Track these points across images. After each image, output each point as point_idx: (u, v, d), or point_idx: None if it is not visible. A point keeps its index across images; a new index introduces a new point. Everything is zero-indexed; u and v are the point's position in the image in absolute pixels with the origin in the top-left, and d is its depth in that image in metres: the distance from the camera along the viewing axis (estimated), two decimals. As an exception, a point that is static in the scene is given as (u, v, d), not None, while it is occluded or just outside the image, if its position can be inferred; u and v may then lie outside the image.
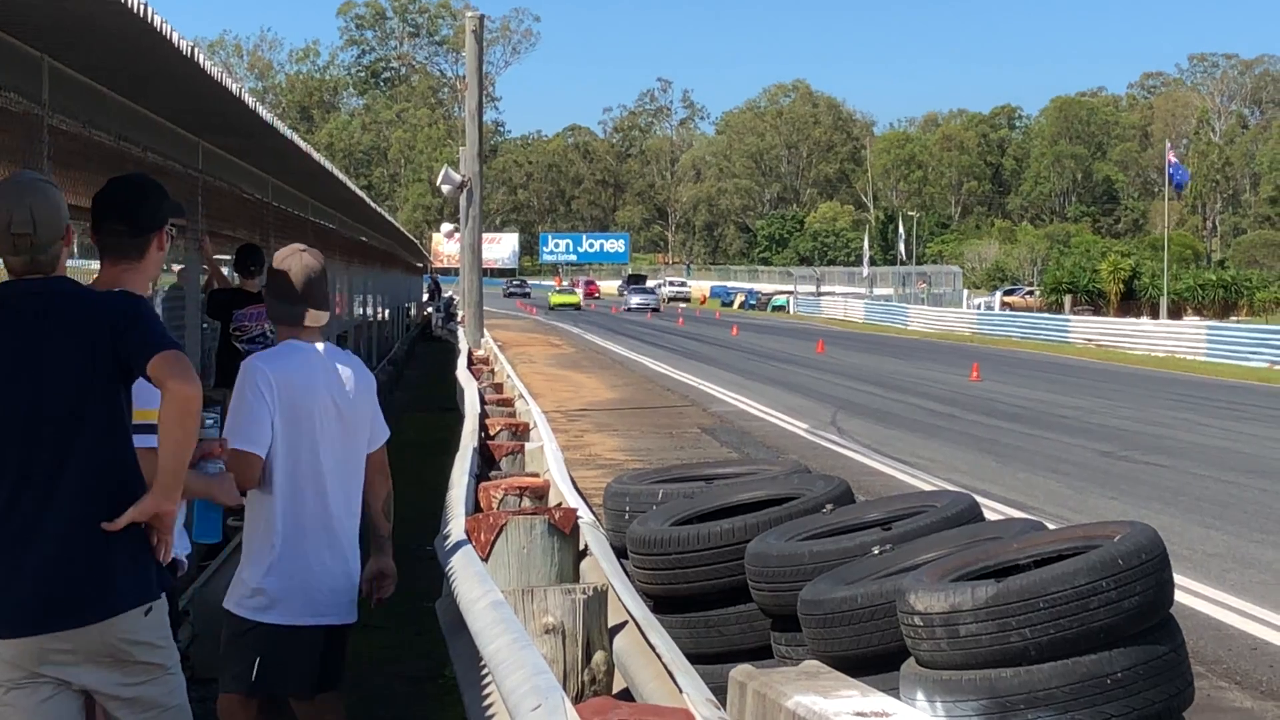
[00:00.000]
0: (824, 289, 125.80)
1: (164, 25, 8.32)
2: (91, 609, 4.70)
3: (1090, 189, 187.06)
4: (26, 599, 4.65)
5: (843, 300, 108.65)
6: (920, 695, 6.72)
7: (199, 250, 13.97)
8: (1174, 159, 76.36)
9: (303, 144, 16.41)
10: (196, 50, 9.29)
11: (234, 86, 11.05)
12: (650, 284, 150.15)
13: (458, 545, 7.83)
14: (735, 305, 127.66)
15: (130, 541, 4.76)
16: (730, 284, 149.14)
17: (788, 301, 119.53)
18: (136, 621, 4.77)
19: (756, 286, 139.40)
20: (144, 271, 5.37)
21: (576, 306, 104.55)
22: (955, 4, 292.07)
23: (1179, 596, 9.72)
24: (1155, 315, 76.17)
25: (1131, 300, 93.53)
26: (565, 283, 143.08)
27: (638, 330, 70.51)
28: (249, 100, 11.90)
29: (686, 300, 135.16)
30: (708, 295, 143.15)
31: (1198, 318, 76.99)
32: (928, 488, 17.71)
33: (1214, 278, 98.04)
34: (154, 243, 5.36)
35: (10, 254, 4.87)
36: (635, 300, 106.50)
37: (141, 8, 7.81)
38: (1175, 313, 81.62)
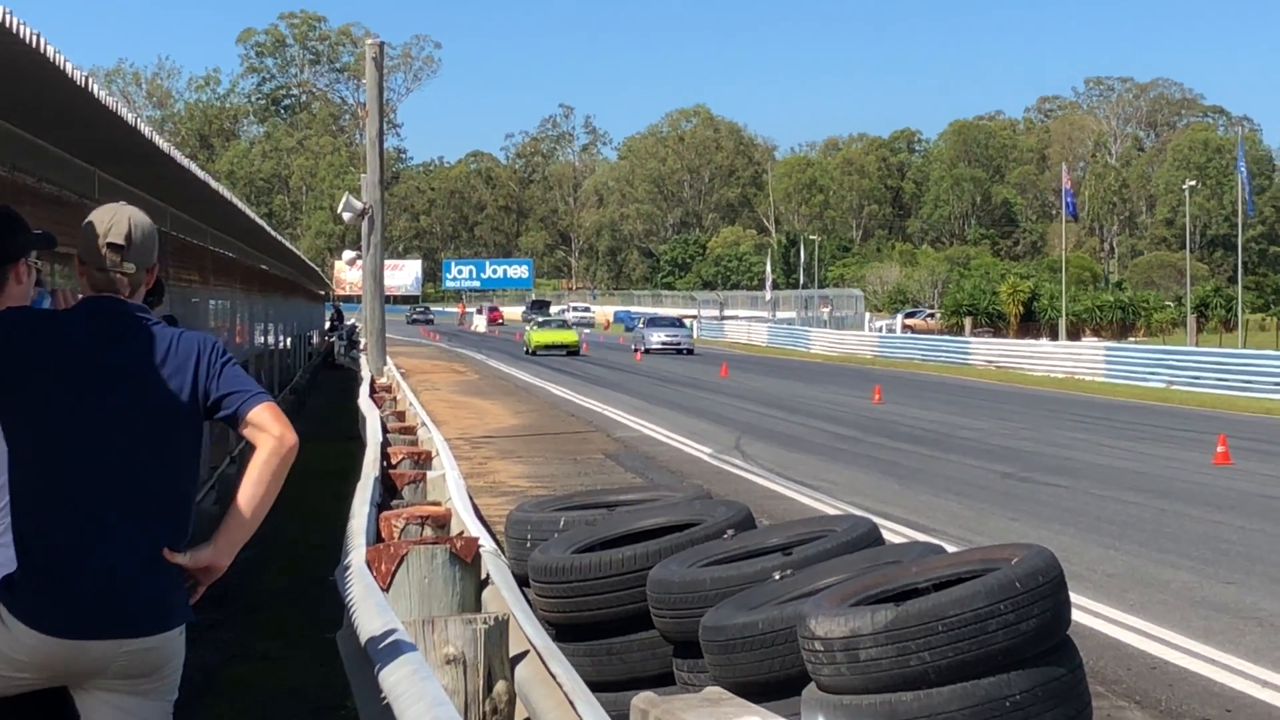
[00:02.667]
0: (727, 313, 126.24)
1: (57, 55, 8.25)
2: (154, 621, 4.76)
3: (989, 212, 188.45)
4: (89, 603, 4.68)
5: (746, 324, 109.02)
6: (821, 720, 6.73)
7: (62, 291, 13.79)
8: (1068, 184, 77.09)
9: (200, 173, 16.32)
10: (91, 81, 9.22)
11: (130, 116, 10.97)
12: (554, 309, 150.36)
13: (358, 576, 7.79)
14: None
15: (178, 567, 4.83)
16: (634, 309, 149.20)
17: (691, 326, 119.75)
18: (176, 640, 4.86)
19: (660, 311, 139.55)
20: (2, 305, 5.31)
21: (573, 349, 72.66)
22: (854, 29, 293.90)
23: (1079, 617, 9.80)
24: (1054, 336, 76.84)
25: (1031, 322, 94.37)
26: (472, 309, 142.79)
27: (541, 356, 70.44)
28: (145, 129, 11.82)
29: (590, 326, 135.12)
30: (611, 320, 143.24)
31: (1096, 339, 77.74)
32: (830, 511, 17.76)
33: (1111, 299, 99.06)
34: (12, 275, 5.29)
35: (97, 267, 4.88)
36: (658, 338, 79.05)
37: (34, 38, 7.75)
38: (1074, 334, 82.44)
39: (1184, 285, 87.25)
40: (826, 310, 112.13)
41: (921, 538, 15.03)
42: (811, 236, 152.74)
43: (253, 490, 4.82)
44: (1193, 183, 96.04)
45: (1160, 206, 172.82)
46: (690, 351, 78.08)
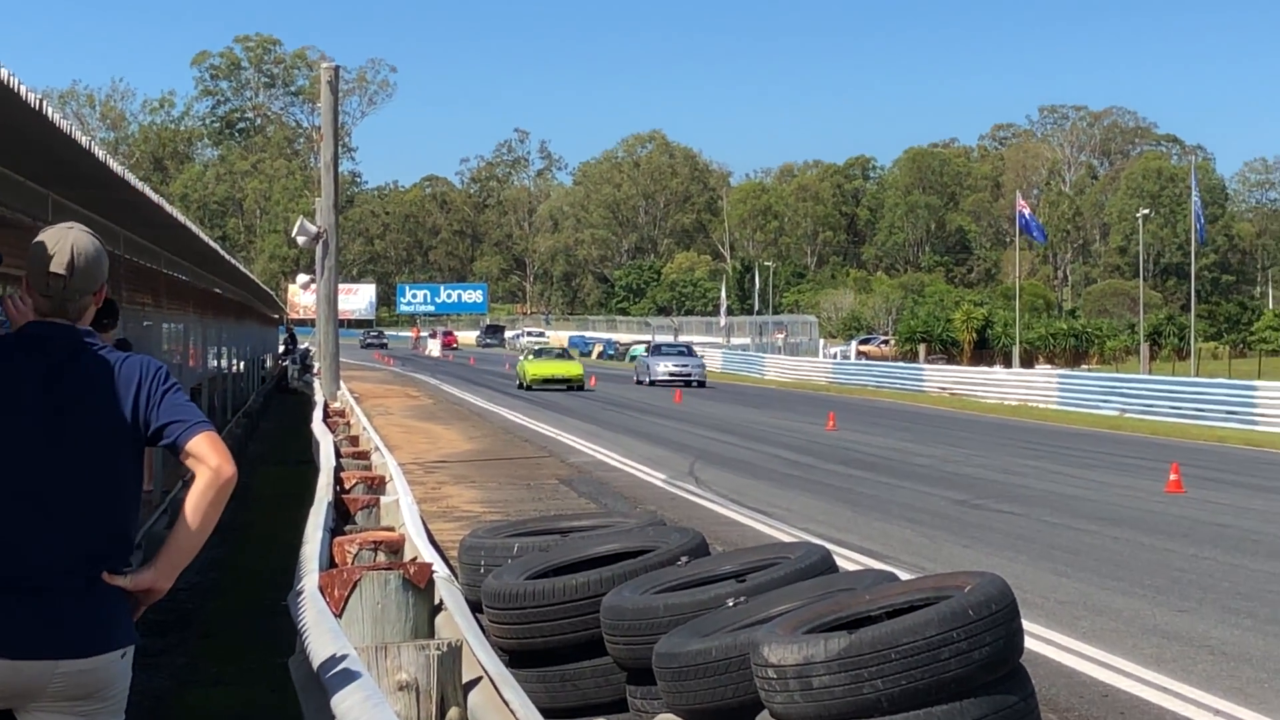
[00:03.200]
0: (682, 338, 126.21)
1: (11, 78, 8.22)
2: (91, 643, 4.75)
3: (943, 239, 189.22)
4: (24, 624, 4.68)
5: (701, 350, 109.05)
6: (774, 748, 6.73)
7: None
8: (1026, 211, 77.41)
9: (154, 196, 16.27)
10: (44, 103, 9.19)
11: (84, 139, 10.93)
12: (509, 334, 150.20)
13: (311, 601, 7.76)
14: (594, 355, 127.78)
15: (118, 589, 4.82)
16: (588, 334, 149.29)
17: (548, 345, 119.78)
18: (118, 663, 4.83)
19: (615, 336, 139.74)
20: None
21: (577, 384, 61.98)
22: (809, 56, 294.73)
23: (1031, 644, 9.83)
24: (1008, 364, 77.14)
25: (984, 349, 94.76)
26: (426, 334, 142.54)
27: (496, 381, 70.34)
28: (99, 153, 11.78)
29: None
30: (566, 345, 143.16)
31: (1049, 366, 78.11)
32: (784, 538, 17.77)
33: (1065, 327, 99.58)
34: None
35: (42, 293, 4.90)
36: (665, 368, 69.47)
37: (-13, 60, 7.71)
38: (1027, 361, 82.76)
39: (1137, 313, 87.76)
40: (781, 336, 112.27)
41: (875, 565, 15.05)
42: (766, 263, 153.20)
43: (191, 518, 4.83)
44: (1146, 211, 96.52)
45: (1114, 234, 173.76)
46: (702, 384, 68.13)
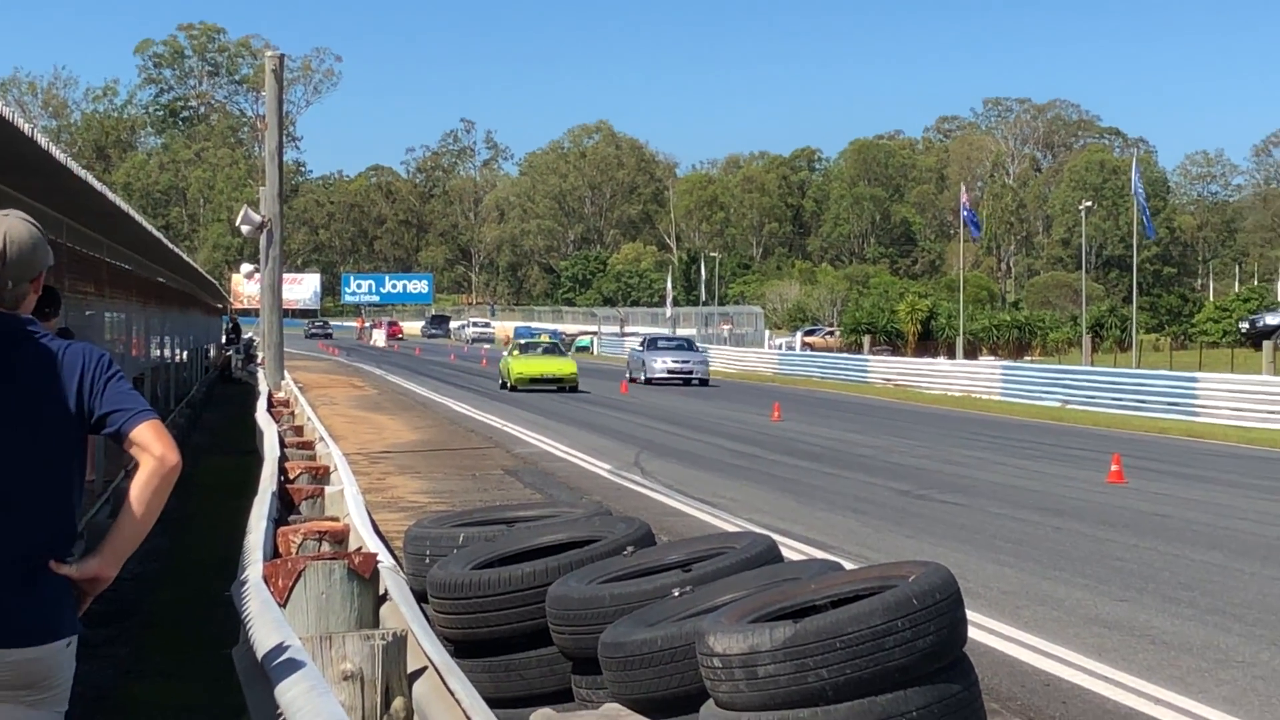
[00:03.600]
0: (628, 329, 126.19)
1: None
2: (36, 632, 4.72)
3: (888, 231, 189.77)
4: None
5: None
6: (719, 737, 6.74)
7: None
8: (967, 203, 77.69)
9: (98, 184, 16.18)
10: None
11: (26, 127, 10.86)
12: (454, 325, 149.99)
13: (255, 591, 7.74)
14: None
15: (63, 579, 4.78)
16: (534, 324, 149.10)
17: (592, 342, 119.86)
18: (63, 652, 4.81)
19: (561, 327, 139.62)
20: None
21: (569, 384, 54.02)
22: (755, 47, 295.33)
23: (975, 634, 9.88)
24: (952, 355, 77.37)
25: (929, 340, 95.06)
26: (368, 323, 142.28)
27: (441, 372, 70.27)
28: (42, 141, 11.71)
29: (490, 341, 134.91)
30: (511, 336, 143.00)
31: (993, 358, 78.32)
32: (730, 528, 17.80)
33: (1008, 318, 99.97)
34: None
35: None
36: (662, 364, 62.50)
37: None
38: (971, 353, 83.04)
39: (1080, 305, 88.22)
40: (727, 328, 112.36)
41: (820, 555, 15.10)
42: (712, 254, 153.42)
43: (136, 507, 4.80)
44: (1089, 204, 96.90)
45: (1057, 227, 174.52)
46: (704, 382, 62.41)
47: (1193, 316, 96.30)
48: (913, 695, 6.60)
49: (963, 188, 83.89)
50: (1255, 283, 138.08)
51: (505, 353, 59.95)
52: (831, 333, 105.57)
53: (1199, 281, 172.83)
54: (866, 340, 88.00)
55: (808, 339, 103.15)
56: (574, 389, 53.19)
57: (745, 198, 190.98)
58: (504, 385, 54.31)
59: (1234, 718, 9.79)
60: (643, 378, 61.62)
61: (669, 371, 61.52)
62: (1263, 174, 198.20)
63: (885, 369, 67.78)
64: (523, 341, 61.05)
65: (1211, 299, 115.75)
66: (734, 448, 30.97)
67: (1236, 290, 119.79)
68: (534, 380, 53.17)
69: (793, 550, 15.79)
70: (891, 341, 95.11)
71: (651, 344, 66.15)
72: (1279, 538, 18.67)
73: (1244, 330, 68.58)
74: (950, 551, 16.56)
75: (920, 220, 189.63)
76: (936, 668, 6.73)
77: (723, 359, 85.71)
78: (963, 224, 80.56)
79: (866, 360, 71.76)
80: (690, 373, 61.96)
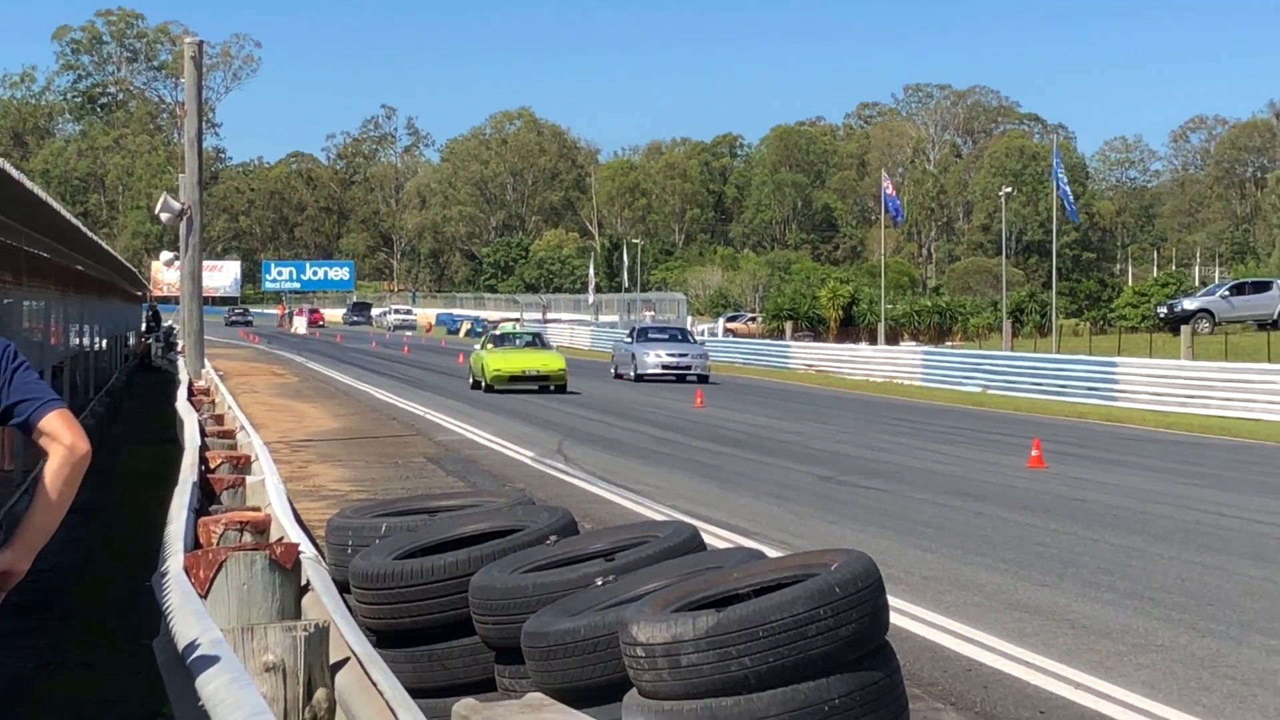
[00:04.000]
0: (550, 316, 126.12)
1: None
2: None
3: (810, 217, 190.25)
4: None
5: (569, 327, 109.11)
6: (642, 726, 6.75)
7: None
8: (889, 189, 77.99)
9: (14, 172, 16.02)
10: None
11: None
12: (376, 312, 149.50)
13: (176, 582, 7.70)
14: (462, 333, 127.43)
15: None
16: (456, 311, 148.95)
17: (514, 329, 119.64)
18: None
19: (483, 314, 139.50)
20: None
21: (556, 381, 46.18)
22: (677, 33, 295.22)
23: (897, 620, 9.92)
24: (873, 341, 77.68)
25: (850, 326, 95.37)
26: (289, 310, 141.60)
27: (363, 359, 70.02)
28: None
29: (412, 328, 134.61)
30: (434, 323, 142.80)
31: (914, 343, 78.69)
32: (653, 516, 17.83)
33: (929, 304, 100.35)
34: None
35: None
36: (657, 357, 54.43)
37: None
38: (892, 338, 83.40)
39: (1000, 290, 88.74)
40: (649, 314, 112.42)
41: (743, 542, 15.13)
42: (634, 240, 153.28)
43: (46, 497, 4.77)
44: (1009, 189, 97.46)
45: (977, 213, 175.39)
46: (704, 379, 53.62)
47: (1112, 302, 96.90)
48: (835, 683, 6.63)
49: (884, 174, 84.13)
50: (1173, 268, 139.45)
51: (478, 346, 50.63)
52: (754, 319, 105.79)
53: (1118, 267, 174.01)
54: (789, 326, 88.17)
55: (730, 325, 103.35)
56: (562, 388, 45.47)
57: (667, 184, 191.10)
58: (476, 385, 46.74)
59: (1153, 701, 9.87)
60: (631, 373, 54.50)
61: (664, 367, 53.98)
62: (1180, 160, 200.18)
63: (807, 355, 67.96)
64: (498, 333, 52.13)
65: (1130, 284, 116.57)
66: (657, 434, 30.99)
67: (1155, 275, 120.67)
68: (515, 378, 45.48)
69: (716, 537, 15.83)
70: (813, 327, 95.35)
71: (642, 334, 58.36)
72: (1197, 522, 18.83)
73: (1162, 315, 68.98)
74: (872, 537, 16.63)
75: (842, 206, 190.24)
76: (859, 655, 6.77)
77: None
78: (884, 210, 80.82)
79: (788, 346, 71.91)
80: (688, 368, 53.91)
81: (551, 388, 45.48)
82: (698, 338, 60.16)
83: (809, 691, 6.58)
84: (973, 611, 12.82)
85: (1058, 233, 74.18)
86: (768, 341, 79.06)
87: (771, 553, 9.24)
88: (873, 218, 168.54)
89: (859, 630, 6.73)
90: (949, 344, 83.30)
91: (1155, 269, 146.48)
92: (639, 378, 53.50)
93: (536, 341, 49.94)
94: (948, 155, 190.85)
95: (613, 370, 58.03)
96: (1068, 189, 64.79)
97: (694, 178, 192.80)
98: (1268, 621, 12.44)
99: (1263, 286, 70.02)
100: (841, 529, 17.62)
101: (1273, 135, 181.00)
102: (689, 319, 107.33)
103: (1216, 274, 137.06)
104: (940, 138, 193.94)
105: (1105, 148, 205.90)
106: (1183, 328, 52.95)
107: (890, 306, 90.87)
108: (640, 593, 7.75)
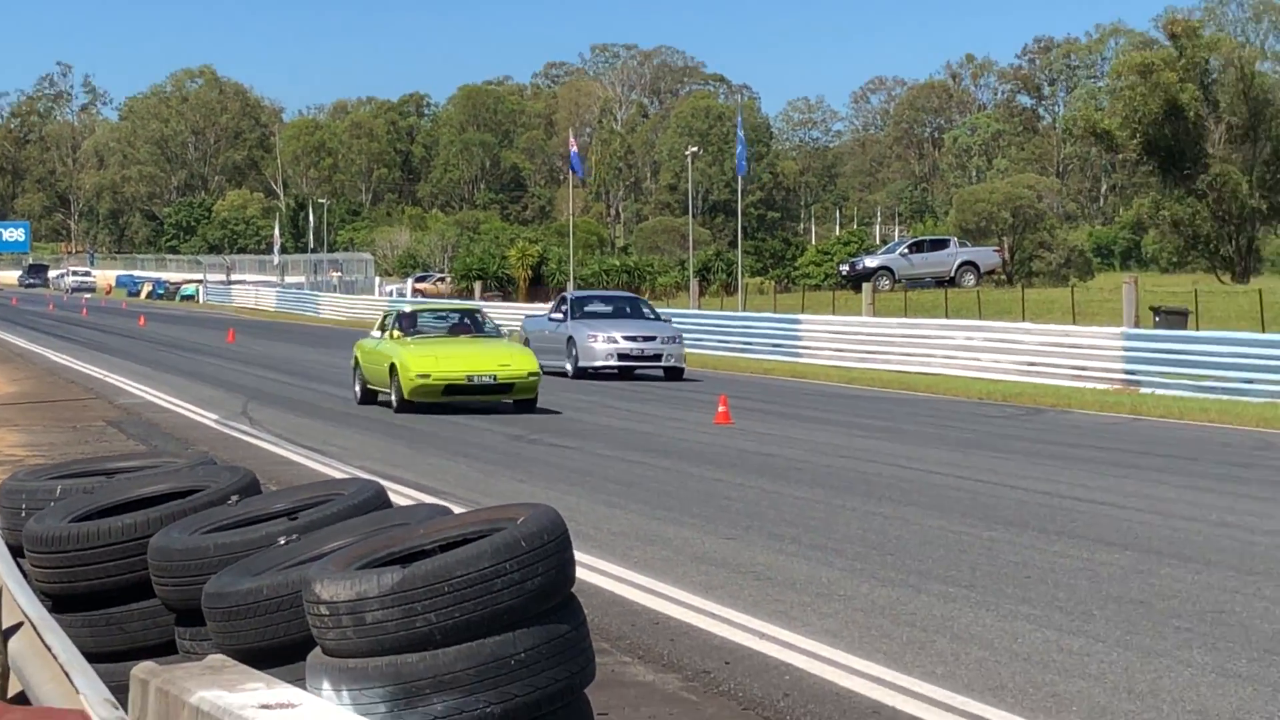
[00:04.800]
0: (235, 277, 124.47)
1: None
2: None
3: (498, 177, 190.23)
4: None
5: (254, 289, 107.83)
6: (327, 684, 6.67)
7: None
8: (574, 147, 78.34)
9: None
10: None
11: None
12: (53, 274, 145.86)
13: None
14: (143, 295, 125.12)
15: None
16: (137, 273, 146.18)
17: (197, 290, 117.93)
18: None
19: (165, 276, 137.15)
20: None
21: (521, 395, 27.47)
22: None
23: (585, 575, 9.97)
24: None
25: (540, 286, 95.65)
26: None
27: (39, 322, 68.26)
28: None
29: (91, 290, 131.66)
30: (113, 285, 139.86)
31: (602, 302, 79.09)
32: (340, 475, 17.67)
33: (618, 263, 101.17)
34: None
35: None
36: (608, 343, 37.35)
37: None
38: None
39: (687, 249, 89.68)
40: (336, 275, 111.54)
41: (430, 500, 15.07)
42: (320, 200, 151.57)
43: None
44: (695, 149, 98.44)
45: (664, 172, 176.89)
46: (679, 372, 38.12)
47: (795, 260, 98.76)
48: (521, 636, 6.62)
49: (570, 133, 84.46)
50: (855, 226, 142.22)
51: (376, 333, 30.13)
52: (443, 279, 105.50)
53: (801, 226, 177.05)
54: (478, 286, 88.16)
55: (419, 285, 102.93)
56: (532, 403, 27.87)
57: (354, 144, 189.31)
58: (370, 398, 29.04)
59: (835, 649, 10.03)
60: (567, 367, 37.80)
61: (621, 356, 37.51)
62: (861, 120, 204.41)
63: (496, 315, 67.85)
64: (408, 310, 33.11)
65: (814, 243, 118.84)
66: (344, 395, 30.68)
67: (837, 234, 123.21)
68: (455, 388, 27.26)
69: (404, 497, 15.74)
70: (503, 287, 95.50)
71: (578, 307, 40.20)
72: (878, 474, 19.25)
73: (844, 273, 70.53)
74: (562, 494, 16.68)
75: (530, 166, 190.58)
76: (545, 608, 6.76)
77: (332, 306, 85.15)
78: (571, 169, 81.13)
79: (479, 306, 71.75)
80: (658, 356, 37.95)
81: (511, 403, 28.25)
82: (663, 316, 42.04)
83: (495, 646, 6.56)
84: (660, 566, 12.93)
85: (743, 192, 75.22)
86: (456, 302, 78.83)
87: (458, 509, 9.20)
88: (561, 177, 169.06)
89: (545, 584, 6.72)
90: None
91: (838, 228, 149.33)
92: (578, 373, 37.39)
93: (473, 326, 30.56)
94: (635, 115, 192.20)
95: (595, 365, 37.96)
96: (745, 150, 65.67)
97: (381, 137, 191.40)
98: (945, 569, 12.74)
99: (940, 244, 72.02)
100: (531, 486, 17.65)
101: (949, 96, 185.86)
102: (377, 280, 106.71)
103: (896, 232, 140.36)
104: (627, 98, 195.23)
105: (788, 108, 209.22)
106: (864, 285, 54.07)
107: (580, 266, 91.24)
108: (324, 551, 7.65)
